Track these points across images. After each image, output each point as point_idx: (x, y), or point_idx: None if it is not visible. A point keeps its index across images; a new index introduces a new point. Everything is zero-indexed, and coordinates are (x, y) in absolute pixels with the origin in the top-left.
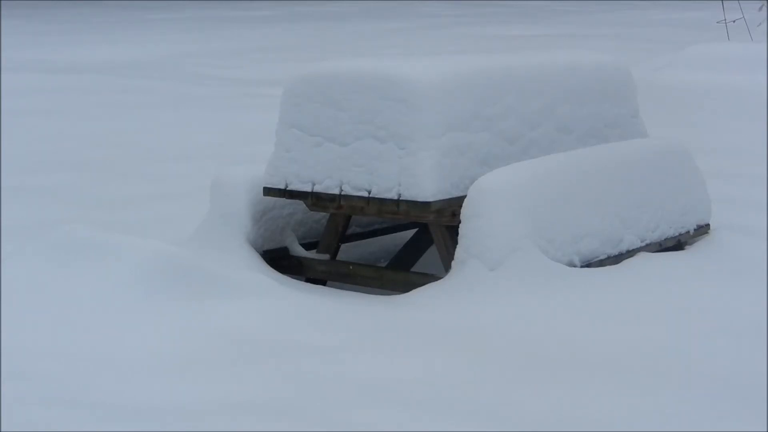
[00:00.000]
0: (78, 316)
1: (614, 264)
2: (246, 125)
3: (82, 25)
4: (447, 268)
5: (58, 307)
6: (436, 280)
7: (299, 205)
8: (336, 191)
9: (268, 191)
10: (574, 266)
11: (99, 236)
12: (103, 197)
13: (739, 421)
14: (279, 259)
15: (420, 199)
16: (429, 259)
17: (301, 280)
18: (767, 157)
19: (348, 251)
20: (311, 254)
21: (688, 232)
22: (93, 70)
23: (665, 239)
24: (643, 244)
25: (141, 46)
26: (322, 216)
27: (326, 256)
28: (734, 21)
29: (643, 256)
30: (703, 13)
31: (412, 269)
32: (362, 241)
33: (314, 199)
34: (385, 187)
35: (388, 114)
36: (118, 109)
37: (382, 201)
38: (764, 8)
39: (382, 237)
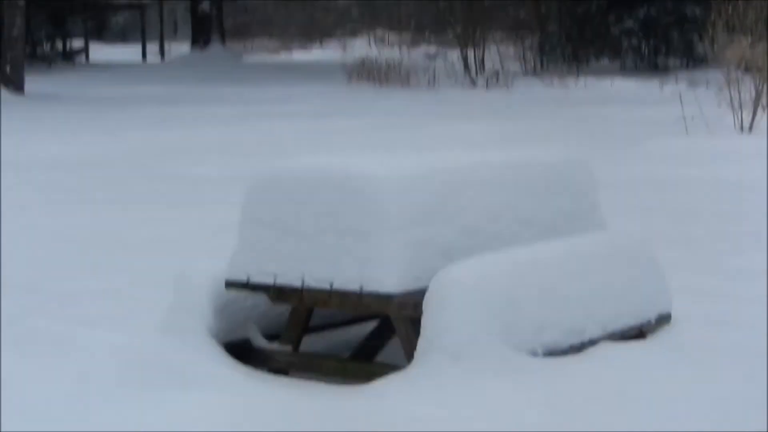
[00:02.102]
0: (36, 406)
1: (577, 353)
2: (209, 221)
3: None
4: (409, 359)
5: (17, 400)
6: (399, 370)
7: (262, 297)
8: (298, 284)
9: (230, 284)
10: (537, 356)
11: (59, 328)
12: (67, 290)
13: None
14: (241, 351)
15: (383, 291)
16: (392, 350)
17: (263, 371)
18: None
19: (311, 342)
20: (274, 346)
21: (650, 321)
22: (52, 167)
23: (627, 329)
24: (606, 333)
25: (101, 143)
26: (284, 308)
27: (289, 348)
28: (693, 117)
29: (605, 346)
30: (660, 110)
31: (375, 360)
32: (325, 333)
33: (276, 292)
34: (348, 279)
35: (349, 209)
36: (77, 204)
37: (345, 293)
38: (723, 104)
39: (344, 328)
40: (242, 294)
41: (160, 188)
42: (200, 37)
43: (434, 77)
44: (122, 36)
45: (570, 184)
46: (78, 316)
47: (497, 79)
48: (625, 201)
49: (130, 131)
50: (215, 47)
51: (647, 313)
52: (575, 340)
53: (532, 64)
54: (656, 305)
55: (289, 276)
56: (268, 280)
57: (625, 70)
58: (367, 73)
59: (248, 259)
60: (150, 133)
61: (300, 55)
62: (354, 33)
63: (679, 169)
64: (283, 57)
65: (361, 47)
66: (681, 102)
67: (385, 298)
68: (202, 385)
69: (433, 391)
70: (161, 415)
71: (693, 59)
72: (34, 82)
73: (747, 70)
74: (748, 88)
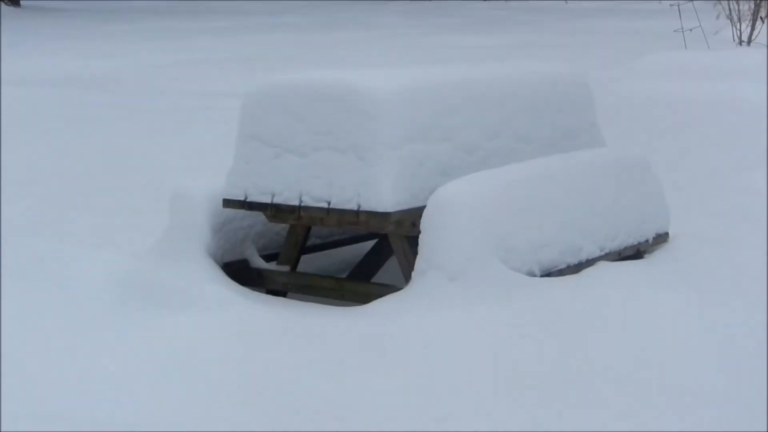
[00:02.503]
0: (35, 332)
1: (574, 273)
2: (205, 137)
3: (38, 36)
4: (407, 278)
5: (16, 323)
6: (397, 290)
7: (259, 216)
8: (295, 202)
9: (227, 203)
10: (535, 276)
11: (57, 249)
12: (63, 209)
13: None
14: (239, 271)
15: (380, 209)
16: (389, 269)
17: (261, 291)
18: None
19: (308, 262)
20: (271, 266)
21: (647, 240)
22: (52, 83)
23: (624, 248)
24: (603, 253)
25: (96, 58)
26: (282, 227)
27: (286, 268)
28: (691, 29)
29: (602, 266)
30: (659, 22)
31: (373, 280)
32: (322, 253)
33: (274, 211)
34: (345, 198)
35: (347, 125)
36: (77, 121)
37: (342, 212)
38: (721, 16)
39: (342, 248)
40: (240, 213)
41: (157, 104)
42: None
43: None
44: None
45: (568, 100)
46: (76, 236)
47: None
48: (623, 119)
49: (127, 45)
50: None
51: (645, 232)
52: (572, 259)
53: None
54: (654, 224)
55: (287, 194)
56: (266, 198)
57: None
58: None
59: (245, 176)
60: (147, 46)
61: None
62: None
63: (677, 85)
64: None
65: None
66: (679, 14)
67: (383, 217)
68: (200, 306)
69: (430, 311)
70: (159, 335)
71: None
72: None
73: None
74: None
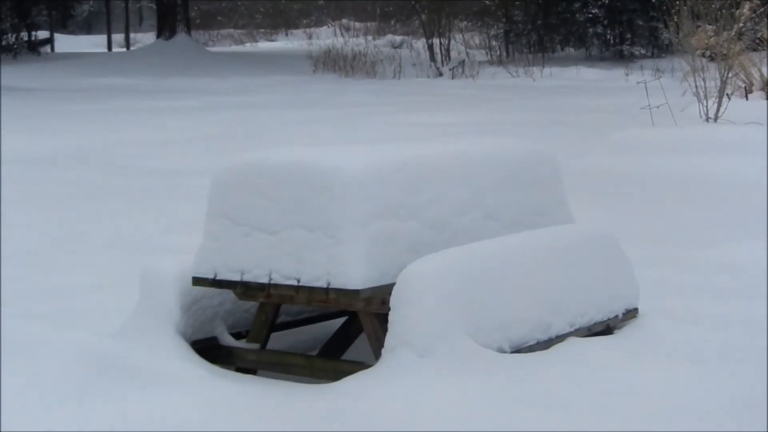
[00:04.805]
0: (2, 411)
1: (544, 349)
2: (174, 215)
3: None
4: (377, 355)
5: None
6: (367, 368)
7: (229, 294)
8: (265, 280)
9: (197, 281)
10: (504, 352)
11: (25, 328)
12: (27, 288)
13: None
14: (208, 349)
15: (349, 287)
16: (359, 346)
17: (231, 369)
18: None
19: (278, 340)
20: (241, 344)
21: (617, 316)
22: (16, 161)
23: (594, 324)
24: (573, 329)
25: (66, 137)
26: (251, 305)
27: (256, 346)
28: (658, 106)
29: (572, 341)
30: (626, 100)
31: (343, 357)
32: (292, 330)
33: (243, 289)
34: (315, 276)
35: (316, 203)
36: (42, 199)
37: (312, 289)
38: (688, 93)
39: (312, 325)
40: (209, 291)
41: (124, 183)
42: (165, 27)
43: (400, 67)
44: (87, 26)
45: (537, 178)
46: (42, 315)
47: (463, 69)
48: (591, 194)
49: (96, 124)
50: (180, 37)
51: (614, 308)
52: (542, 335)
53: (498, 53)
54: (623, 300)
55: (256, 272)
56: (235, 276)
57: (590, 59)
58: (332, 62)
59: (215, 254)
60: (116, 126)
61: (265, 45)
62: (319, 22)
63: (645, 159)
64: (249, 47)
65: (326, 37)
66: (646, 91)
67: (352, 294)
68: (169, 384)
69: (400, 388)
70: (127, 413)
71: (658, 47)
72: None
73: (712, 58)
74: (713, 76)
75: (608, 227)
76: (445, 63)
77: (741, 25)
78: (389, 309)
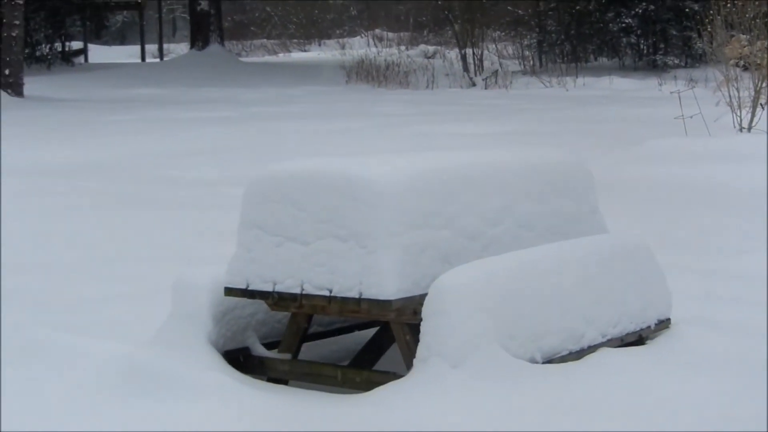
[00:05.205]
0: (36, 419)
1: (576, 360)
2: (206, 226)
3: (40, 126)
4: (409, 366)
5: (16, 409)
6: (398, 378)
7: (261, 304)
8: (297, 291)
9: (229, 291)
10: (536, 362)
11: (59, 338)
12: (64, 299)
13: None
14: (240, 359)
15: (381, 297)
16: (391, 357)
17: (262, 379)
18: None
19: (310, 350)
20: (273, 354)
21: (649, 327)
22: (51, 173)
23: (626, 334)
24: (605, 339)
25: (99, 147)
26: (283, 315)
27: (288, 356)
28: (691, 116)
29: (604, 352)
30: (660, 110)
31: (374, 368)
32: (324, 340)
33: (275, 299)
34: (347, 286)
35: (349, 213)
36: (77, 211)
37: (344, 300)
38: (721, 103)
39: (343, 336)
40: (242, 301)
41: (159, 193)
42: (198, 37)
43: (433, 77)
44: (121, 37)
45: (570, 187)
46: (77, 325)
47: (496, 79)
48: (625, 203)
49: (130, 135)
50: (214, 47)
51: (647, 318)
52: (574, 346)
53: (531, 63)
54: (656, 310)
55: (288, 282)
56: (267, 286)
57: (623, 69)
58: (365, 73)
59: (247, 264)
60: (150, 136)
61: (298, 55)
62: (352, 33)
63: (678, 170)
64: (282, 57)
65: (359, 47)
66: (680, 101)
67: (384, 304)
68: (201, 394)
69: (432, 398)
70: (159, 423)
71: (691, 57)
72: (33, 84)
73: (746, 68)
74: (747, 86)
75: (641, 236)
76: (478, 73)
77: None
78: (421, 319)
